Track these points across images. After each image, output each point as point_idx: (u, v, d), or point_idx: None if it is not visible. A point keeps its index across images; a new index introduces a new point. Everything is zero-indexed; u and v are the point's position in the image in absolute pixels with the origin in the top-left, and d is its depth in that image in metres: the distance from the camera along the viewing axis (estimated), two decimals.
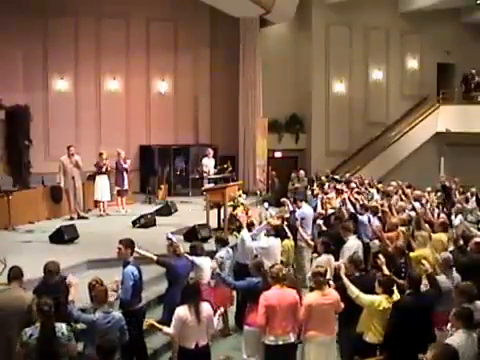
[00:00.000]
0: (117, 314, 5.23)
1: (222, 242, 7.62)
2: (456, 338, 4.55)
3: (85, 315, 5.10)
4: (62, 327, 4.78)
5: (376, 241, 8.42)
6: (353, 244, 7.62)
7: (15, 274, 5.37)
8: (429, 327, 5.43)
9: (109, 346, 4.52)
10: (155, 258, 6.58)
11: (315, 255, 7.60)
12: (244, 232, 7.96)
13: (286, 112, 19.13)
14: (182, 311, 5.23)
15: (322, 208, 10.26)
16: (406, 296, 5.56)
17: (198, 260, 6.86)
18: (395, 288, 5.74)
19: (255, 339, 5.76)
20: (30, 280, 6.64)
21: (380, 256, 6.36)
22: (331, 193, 12.00)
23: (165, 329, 5.32)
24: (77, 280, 5.51)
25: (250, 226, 8.37)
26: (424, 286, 5.89)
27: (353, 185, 13.13)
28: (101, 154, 12.85)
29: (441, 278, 6.07)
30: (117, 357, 5.18)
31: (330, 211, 10.06)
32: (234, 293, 7.43)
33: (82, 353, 5.06)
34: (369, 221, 9.13)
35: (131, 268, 6.00)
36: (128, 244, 6.17)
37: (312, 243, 8.20)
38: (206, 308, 5.35)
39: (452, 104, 19.95)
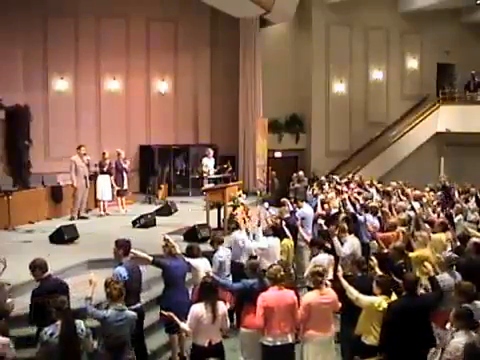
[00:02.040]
0: (131, 313, 5.22)
1: (218, 242, 7.63)
2: (461, 338, 4.57)
3: (98, 311, 5.13)
4: (81, 324, 4.82)
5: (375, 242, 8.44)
6: (351, 243, 7.65)
7: None
8: (428, 329, 5.42)
9: (119, 343, 4.52)
10: (151, 259, 6.52)
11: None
12: (236, 233, 8.06)
13: (286, 112, 19.13)
14: (198, 308, 5.27)
15: (322, 209, 10.27)
16: (401, 298, 5.54)
17: (194, 262, 6.78)
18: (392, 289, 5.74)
19: (252, 341, 5.73)
20: (30, 280, 6.67)
21: (372, 257, 6.39)
22: (331, 193, 12.01)
23: (182, 325, 5.34)
24: (97, 278, 5.44)
25: (244, 222, 8.48)
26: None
27: (353, 185, 13.14)
28: (104, 154, 12.89)
29: (444, 276, 6.07)
30: (130, 357, 5.21)
31: (333, 211, 10.08)
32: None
33: (97, 349, 5.09)
34: (365, 221, 9.14)
35: (119, 269, 5.90)
36: (121, 244, 6.12)
37: None
38: (221, 306, 5.40)
39: (452, 104, 19.96)
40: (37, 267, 5.56)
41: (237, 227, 8.38)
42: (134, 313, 5.26)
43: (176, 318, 5.41)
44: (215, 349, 5.30)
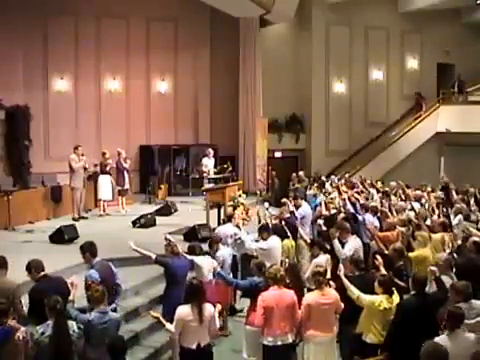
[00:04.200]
0: (114, 315, 5.21)
1: (216, 242, 7.62)
2: (444, 337, 4.59)
3: (82, 315, 5.07)
4: (73, 325, 4.80)
5: None
6: (354, 245, 7.65)
7: (1, 262, 5.61)
8: (435, 328, 5.41)
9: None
10: (154, 257, 6.59)
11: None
12: (227, 226, 8.35)
13: (286, 112, 19.14)
14: (184, 310, 5.19)
15: (326, 209, 10.24)
16: (410, 297, 5.52)
17: (198, 259, 6.86)
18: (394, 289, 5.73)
19: (256, 339, 5.74)
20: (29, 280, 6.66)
21: (378, 256, 6.38)
22: (333, 193, 11.99)
23: (168, 325, 5.28)
24: (78, 280, 5.47)
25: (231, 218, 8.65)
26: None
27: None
28: (104, 153, 12.88)
29: (444, 278, 6.07)
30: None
31: (333, 211, 10.07)
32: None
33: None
34: (364, 220, 9.14)
35: (91, 272, 5.86)
36: (86, 248, 6.09)
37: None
38: (208, 308, 5.30)
39: (452, 104, 19.95)
40: (33, 268, 5.62)
41: (229, 220, 8.46)
42: (117, 315, 5.26)
43: (162, 319, 5.36)
44: (203, 351, 5.22)
